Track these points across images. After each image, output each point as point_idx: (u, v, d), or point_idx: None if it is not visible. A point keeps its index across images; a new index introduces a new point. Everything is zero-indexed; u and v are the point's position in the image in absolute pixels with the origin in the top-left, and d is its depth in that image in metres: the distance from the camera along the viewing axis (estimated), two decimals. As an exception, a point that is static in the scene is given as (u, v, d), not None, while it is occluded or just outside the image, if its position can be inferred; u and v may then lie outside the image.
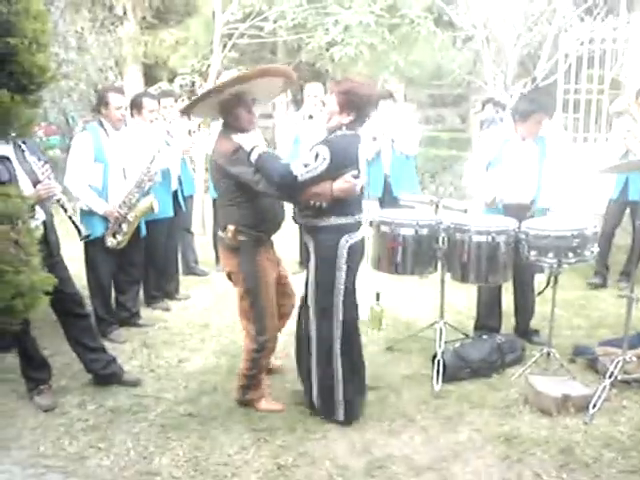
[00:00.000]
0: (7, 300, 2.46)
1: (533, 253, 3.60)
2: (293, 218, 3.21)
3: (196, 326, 4.60)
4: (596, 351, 3.82)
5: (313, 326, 3.17)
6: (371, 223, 3.85)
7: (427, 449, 3.02)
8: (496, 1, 8.21)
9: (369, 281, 4.74)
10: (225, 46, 7.57)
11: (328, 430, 3.15)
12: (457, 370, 3.68)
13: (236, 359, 3.72)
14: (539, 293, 4.08)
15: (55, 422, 3.26)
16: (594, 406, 3.25)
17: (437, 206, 4.05)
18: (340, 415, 3.18)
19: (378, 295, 4.53)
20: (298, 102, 10.29)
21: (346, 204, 3.04)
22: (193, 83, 8.51)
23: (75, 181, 4.13)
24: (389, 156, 5.68)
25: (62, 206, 3.48)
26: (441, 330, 3.80)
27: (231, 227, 3.15)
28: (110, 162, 4.17)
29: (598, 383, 3.43)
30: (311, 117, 5.64)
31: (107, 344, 3.84)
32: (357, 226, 3.13)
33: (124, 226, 4.23)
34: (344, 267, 3.06)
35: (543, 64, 8.38)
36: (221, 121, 3.32)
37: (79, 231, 3.70)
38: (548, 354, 3.74)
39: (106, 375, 3.61)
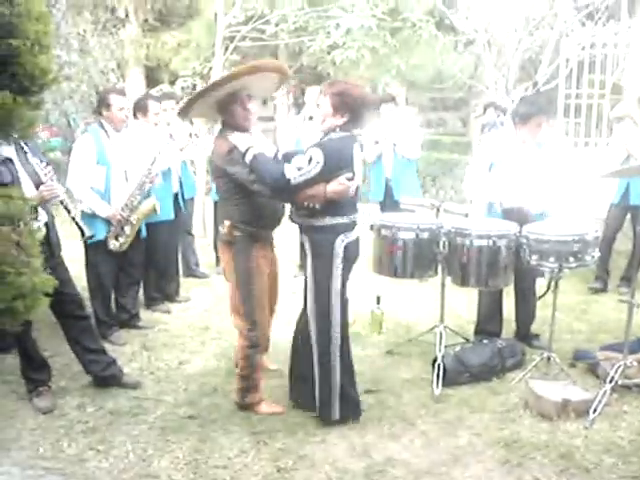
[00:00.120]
0: (8, 301, 2.46)
1: (534, 257, 3.60)
2: (290, 217, 3.23)
3: (196, 328, 4.60)
4: (597, 356, 3.82)
5: (313, 326, 3.18)
6: (372, 227, 3.85)
7: (427, 453, 3.02)
8: (497, 5, 8.24)
9: (369, 285, 4.76)
10: (227, 49, 7.57)
11: (328, 433, 3.15)
12: (457, 374, 3.68)
13: (236, 362, 3.72)
14: (540, 297, 4.08)
15: (54, 424, 3.26)
16: (594, 411, 3.25)
17: (438, 210, 4.06)
18: (336, 414, 3.19)
19: (378, 299, 4.53)
20: (299, 105, 10.31)
21: (339, 205, 3.04)
22: (195, 86, 8.49)
23: (78, 184, 4.13)
24: (391, 160, 5.68)
25: (65, 207, 3.48)
26: (441, 334, 3.80)
27: (227, 222, 3.20)
28: (112, 164, 4.17)
29: (598, 388, 3.42)
30: (311, 118, 5.65)
31: (107, 346, 3.84)
32: (352, 226, 3.14)
33: (127, 229, 4.23)
34: (340, 266, 3.08)
35: (544, 68, 8.40)
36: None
37: (82, 232, 3.67)
38: (548, 358, 3.73)
39: (106, 377, 3.61)
